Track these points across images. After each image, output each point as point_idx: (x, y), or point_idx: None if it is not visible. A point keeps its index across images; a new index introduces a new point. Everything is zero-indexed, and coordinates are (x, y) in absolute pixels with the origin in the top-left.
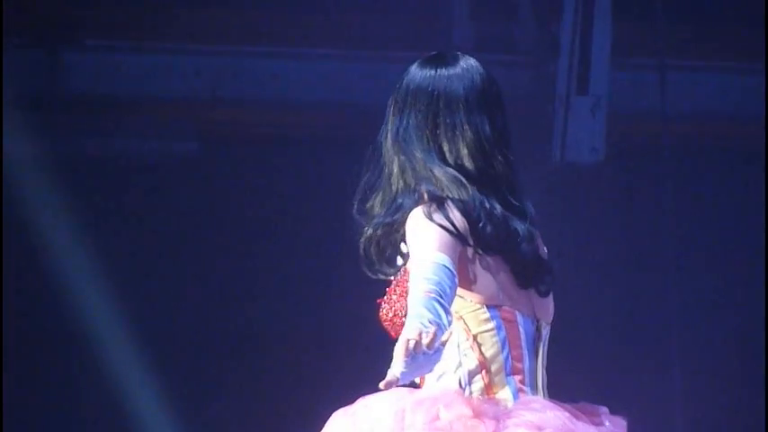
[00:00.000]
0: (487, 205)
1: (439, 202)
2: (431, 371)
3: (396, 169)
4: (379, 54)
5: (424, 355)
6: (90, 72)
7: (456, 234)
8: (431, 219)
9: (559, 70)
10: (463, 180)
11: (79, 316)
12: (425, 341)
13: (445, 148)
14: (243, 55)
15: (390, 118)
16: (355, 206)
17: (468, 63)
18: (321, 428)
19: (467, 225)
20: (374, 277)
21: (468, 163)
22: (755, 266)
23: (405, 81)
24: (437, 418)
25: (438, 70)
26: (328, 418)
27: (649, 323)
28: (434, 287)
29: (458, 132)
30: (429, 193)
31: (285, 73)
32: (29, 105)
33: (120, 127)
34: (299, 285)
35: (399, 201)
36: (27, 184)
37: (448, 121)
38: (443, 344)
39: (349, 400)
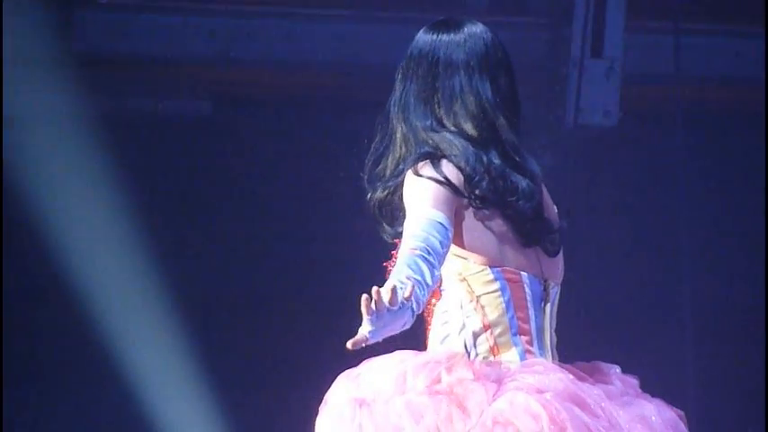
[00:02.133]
0: (485, 159)
1: (432, 159)
2: (399, 328)
3: (399, 136)
4: (393, 16)
5: (389, 312)
6: (103, 31)
7: (447, 184)
8: (419, 175)
9: (574, 33)
10: (460, 140)
11: (87, 272)
12: (385, 297)
13: (443, 112)
14: (257, 15)
15: (396, 85)
16: (367, 170)
17: (472, 28)
18: (326, 390)
19: (461, 177)
20: (386, 238)
21: (467, 125)
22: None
23: (410, 48)
24: (438, 381)
25: (440, 35)
26: (334, 380)
27: (662, 282)
28: (421, 243)
29: (456, 96)
30: (424, 154)
31: (299, 34)
32: (41, 64)
33: (132, 86)
34: (310, 246)
35: (401, 166)
36: (39, 141)
37: (447, 84)
38: (430, 302)
39: (354, 361)
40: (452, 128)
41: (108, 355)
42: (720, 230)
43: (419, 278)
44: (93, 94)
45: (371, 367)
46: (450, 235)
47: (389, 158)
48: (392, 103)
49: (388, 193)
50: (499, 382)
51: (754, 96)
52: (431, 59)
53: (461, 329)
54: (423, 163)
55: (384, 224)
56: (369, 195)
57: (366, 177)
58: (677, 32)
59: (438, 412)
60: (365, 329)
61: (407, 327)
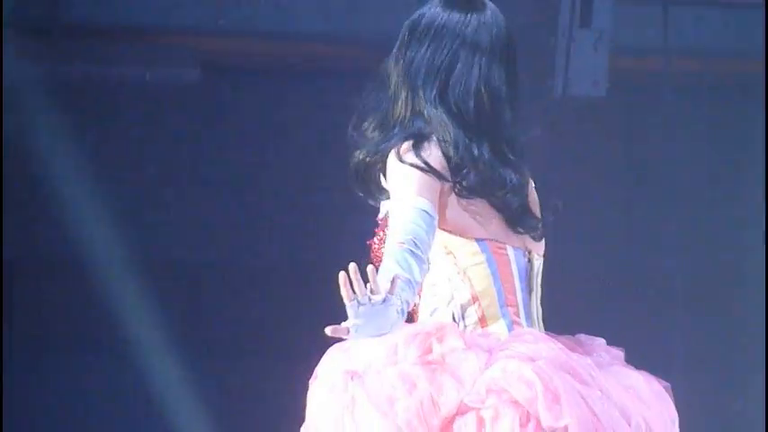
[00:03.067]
0: (475, 151)
1: (418, 139)
2: (389, 328)
3: (401, 98)
4: None
5: (373, 306)
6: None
7: (430, 171)
8: (402, 160)
9: (563, 2)
10: (455, 123)
11: (77, 239)
12: (382, 284)
13: (452, 89)
14: None
15: (406, 46)
16: (352, 124)
17: (494, 11)
18: (316, 362)
19: (446, 164)
20: (368, 200)
21: (470, 108)
22: (756, 199)
23: (431, 15)
24: (430, 351)
25: (469, 15)
26: (324, 351)
27: (650, 254)
28: (408, 236)
29: (473, 79)
30: (412, 133)
31: (287, 2)
32: (31, 32)
33: (121, 54)
34: (298, 213)
35: (393, 132)
36: (28, 110)
37: (464, 64)
38: (416, 304)
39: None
40: (453, 107)
41: (95, 322)
42: (710, 200)
43: (408, 276)
44: (80, 63)
45: (362, 340)
46: (436, 222)
47: (380, 118)
48: (398, 62)
49: (372, 162)
50: (490, 351)
51: (743, 67)
52: (457, 36)
53: (450, 301)
54: (407, 145)
55: (360, 186)
56: (356, 155)
57: (350, 130)
58: (666, 3)
59: (431, 382)
60: (350, 323)
61: (396, 328)
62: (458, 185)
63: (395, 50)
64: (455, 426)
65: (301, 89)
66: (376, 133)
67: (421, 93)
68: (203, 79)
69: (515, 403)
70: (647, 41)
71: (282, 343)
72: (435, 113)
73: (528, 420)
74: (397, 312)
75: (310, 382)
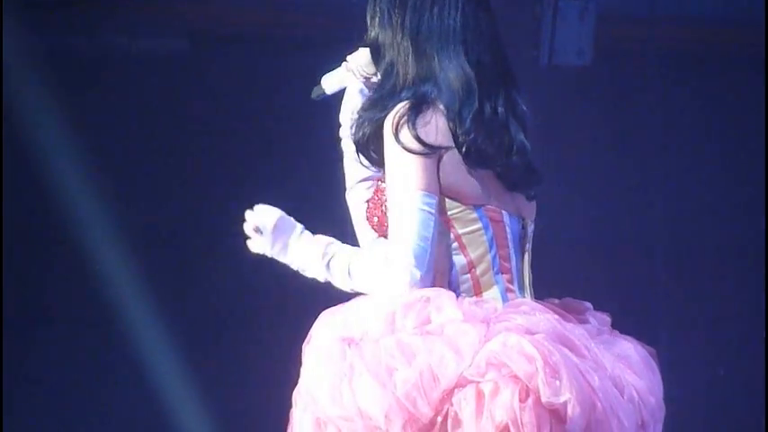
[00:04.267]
0: (489, 112)
1: (420, 104)
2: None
3: (407, 66)
4: None
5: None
6: None
7: (428, 154)
8: (398, 140)
9: None
10: (474, 85)
11: (68, 210)
12: None
13: (468, 45)
14: None
15: (402, 12)
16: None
17: None
18: (308, 327)
19: (449, 133)
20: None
21: (488, 60)
22: (744, 166)
23: None
24: (428, 321)
25: None
26: (315, 316)
27: (635, 222)
28: (419, 251)
29: (484, 31)
30: (418, 94)
31: None
32: (14, 3)
33: (109, 24)
34: (287, 184)
35: (394, 97)
36: (15, 80)
37: (476, 19)
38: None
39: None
40: (474, 67)
41: (92, 298)
42: (696, 169)
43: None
44: (64, 34)
45: (358, 306)
46: (437, 208)
47: (383, 89)
48: (399, 31)
49: (374, 129)
50: (487, 322)
51: (729, 37)
52: None
53: (447, 268)
54: (404, 112)
55: (370, 158)
56: (358, 130)
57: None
58: None
59: (431, 353)
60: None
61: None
62: (466, 152)
63: (383, 19)
64: (454, 399)
65: (291, 59)
66: (370, 105)
67: (436, 58)
68: (191, 48)
69: (515, 378)
70: (634, 11)
71: (274, 310)
72: (458, 76)
73: (527, 395)
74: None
75: (304, 345)
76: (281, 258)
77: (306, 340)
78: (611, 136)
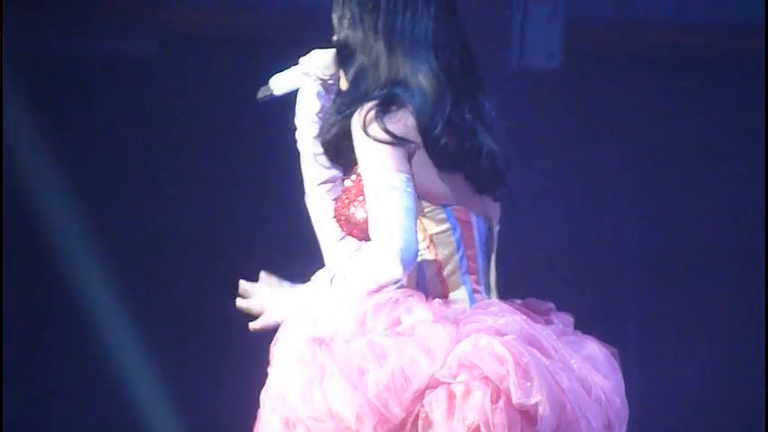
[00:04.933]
0: (457, 117)
1: (388, 102)
2: None
3: (374, 65)
4: None
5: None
6: None
7: (398, 144)
8: (367, 133)
9: None
10: (446, 89)
11: (38, 212)
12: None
13: (440, 50)
14: None
15: (375, 15)
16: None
17: None
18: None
19: (417, 133)
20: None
21: (457, 65)
22: (714, 169)
23: None
24: (399, 322)
25: None
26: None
27: (604, 226)
28: (406, 226)
29: (453, 36)
30: (387, 94)
31: None
32: None
33: (78, 26)
34: (258, 185)
35: (365, 99)
36: None
37: (448, 23)
38: None
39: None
40: (444, 72)
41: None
42: (665, 172)
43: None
44: (33, 35)
45: (326, 306)
46: (415, 189)
47: (353, 92)
48: (371, 35)
49: (341, 130)
50: (456, 323)
51: (698, 40)
52: None
53: (416, 268)
54: (372, 108)
55: (339, 161)
56: (325, 133)
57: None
58: None
59: (402, 354)
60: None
61: None
62: (436, 156)
63: (354, 21)
64: (425, 400)
65: (261, 61)
66: (346, 111)
67: (408, 62)
68: (160, 50)
69: (486, 379)
70: (602, 13)
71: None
72: (430, 81)
73: (499, 397)
74: None
75: (272, 346)
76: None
77: (273, 341)
78: (581, 139)
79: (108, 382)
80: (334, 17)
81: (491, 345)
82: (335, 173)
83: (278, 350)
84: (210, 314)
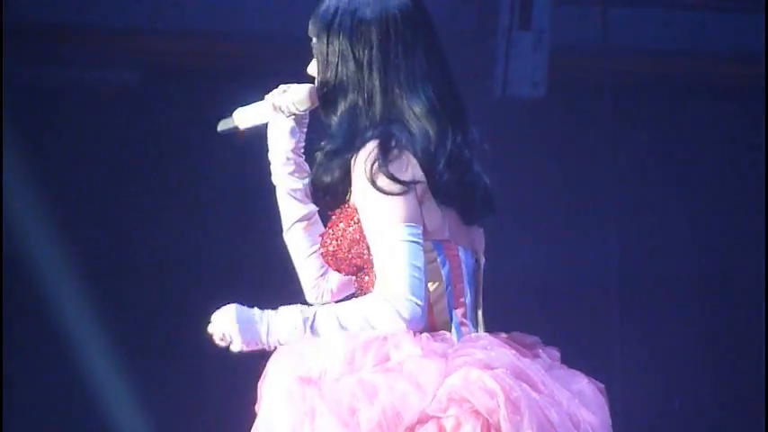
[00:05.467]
0: (456, 151)
1: (388, 142)
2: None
3: (367, 101)
4: None
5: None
6: (30, 0)
7: (408, 187)
8: (375, 186)
9: (502, 4)
10: (446, 125)
11: (18, 238)
12: None
13: (433, 84)
14: None
15: (369, 50)
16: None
17: None
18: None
19: (423, 175)
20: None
21: (449, 98)
22: (700, 198)
23: (381, 10)
24: (387, 358)
25: (415, 2)
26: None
27: (589, 253)
28: (414, 282)
29: (445, 75)
30: (386, 131)
31: (227, 2)
32: None
33: (58, 56)
34: (240, 215)
35: (361, 137)
36: None
37: (439, 60)
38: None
39: None
40: (438, 108)
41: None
42: (648, 200)
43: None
44: (16, 64)
45: (313, 344)
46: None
47: (347, 130)
48: (366, 70)
49: (341, 173)
50: (445, 356)
51: (682, 67)
52: (421, 32)
53: None
54: (376, 163)
55: (333, 200)
56: (324, 175)
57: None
58: (605, 3)
59: (392, 390)
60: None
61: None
62: (438, 192)
63: (346, 57)
64: None
65: (243, 90)
66: (343, 150)
67: (404, 98)
68: (141, 80)
69: (476, 413)
70: (587, 42)
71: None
72: (423, 117)
73: (489, 430)
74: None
75: (260, 383)
76: (260, 346)
77: (261, 378)
78: (565, 168)
79: (87, 409)
80: (321, 53)
81: (481, 378)
82: (312, 207)
83: (266, 389)
84: (195, 347)
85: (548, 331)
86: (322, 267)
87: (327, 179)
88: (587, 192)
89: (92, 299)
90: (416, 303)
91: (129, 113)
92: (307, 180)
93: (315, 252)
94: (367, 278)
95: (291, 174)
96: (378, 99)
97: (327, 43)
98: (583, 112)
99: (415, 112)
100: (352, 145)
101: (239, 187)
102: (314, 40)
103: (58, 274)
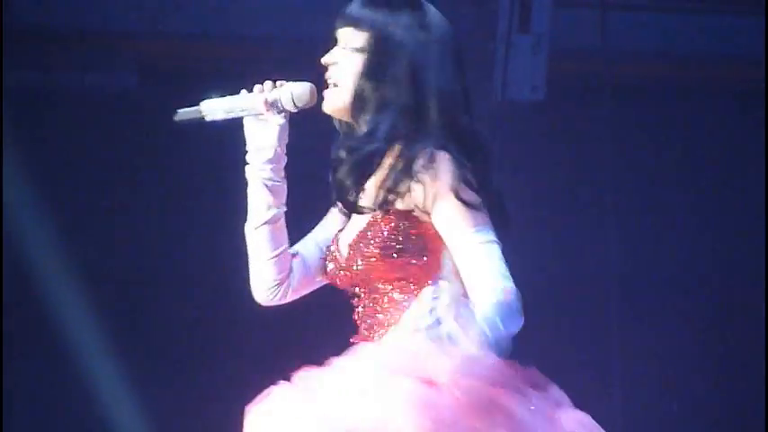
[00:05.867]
0: (488, 173)
1: (461, 164)
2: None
3: (399, 112)
4: None
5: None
6: (29, 3)
7: (482, 200)
8: (460, 197)
9: (501, 8)
10: (483, 136)
11: (18, 239)
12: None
13: (467, 94)
14: None
15: (404, 65)
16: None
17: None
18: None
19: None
20: (344, 207)
21: (463, 122)
22: (700, 201)
23: (429, 19)
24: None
25: (445, 24)
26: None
27: (588, 260)
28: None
29: (463, 92)
30: (452, 149)
31: (227, 6)
32: None
33: (59, 59)
34: (241, 217)
35: (402, 140)
36: None
37: (460, 77)
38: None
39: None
40: (462, 123)
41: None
42: (647, 202)
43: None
44: (14, 67)
45: (322, 381)
46: None
47: (379, 130)
48: (401, 84)
49: (369, 158)
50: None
51: (680, 71)
52: (449, 48)
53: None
54: (458, 178)
55: (347, 189)
56: (340, 156)
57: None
58: (604, 7)
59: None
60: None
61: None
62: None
63: (382, 66)
64: None
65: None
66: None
67: (447, 112)
68: (141, 84)
69: None
70: (586, 46)
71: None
72: (468, 130)
73: None
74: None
75: (249, 406)
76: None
77: (256, 399)
78: (565, 171)
79: (87, 410)
80: (359, 65)
81: None
82: (283, 209)
83: (368, 385)
84: (195, 347)
85: (548, 331)
86: (282, 272)
87: (361, 180)
88: (587, 195)
89: (91, 299)
90: (520, 296)
91: (129, 117)
92: (284, 180)
93: (281, 253)
94: (413, 286)
95: (275, 171)
96: (412, 110)
97: (381, 39)
98: (582, 115)
99: (460, 127)
100: (389, 148)
101: (240, 190)
102: (353, 34)
103: (57, 276)
